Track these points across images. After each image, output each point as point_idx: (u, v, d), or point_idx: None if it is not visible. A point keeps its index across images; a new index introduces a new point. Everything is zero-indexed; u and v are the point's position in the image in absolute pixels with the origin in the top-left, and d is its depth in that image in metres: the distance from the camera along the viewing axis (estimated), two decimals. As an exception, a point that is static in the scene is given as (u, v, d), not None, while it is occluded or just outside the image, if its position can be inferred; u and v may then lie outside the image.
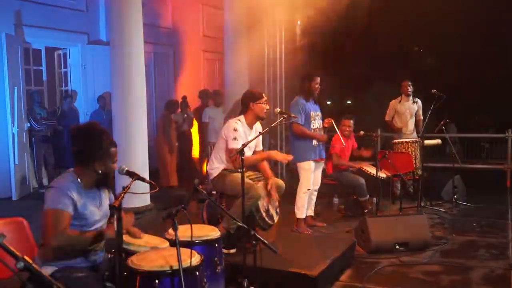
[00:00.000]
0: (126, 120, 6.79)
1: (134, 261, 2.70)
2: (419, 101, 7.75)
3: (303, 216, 5.78)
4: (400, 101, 7.68)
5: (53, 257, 2.76)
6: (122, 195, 2.47)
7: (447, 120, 7.25)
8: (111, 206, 2.36)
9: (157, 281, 2.60)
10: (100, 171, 2.86)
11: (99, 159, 2.84)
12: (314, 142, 5.69)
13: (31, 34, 8.49)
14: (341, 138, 6.05)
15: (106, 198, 3.01)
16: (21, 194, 7.74)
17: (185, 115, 9.21)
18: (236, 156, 4.00)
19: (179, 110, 9.25)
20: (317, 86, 5.71)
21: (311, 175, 5.71)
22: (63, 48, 9.49)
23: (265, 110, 4.79)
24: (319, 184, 6.04)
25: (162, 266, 2.64)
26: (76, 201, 2.78)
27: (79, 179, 2.86)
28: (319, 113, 5.84)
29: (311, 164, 5.69)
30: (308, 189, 5.71)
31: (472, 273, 4.55)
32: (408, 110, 7.65)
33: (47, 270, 2.75)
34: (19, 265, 1.44)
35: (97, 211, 2.90)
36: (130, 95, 6.79)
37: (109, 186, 3.01)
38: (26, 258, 1.46)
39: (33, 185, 8.32)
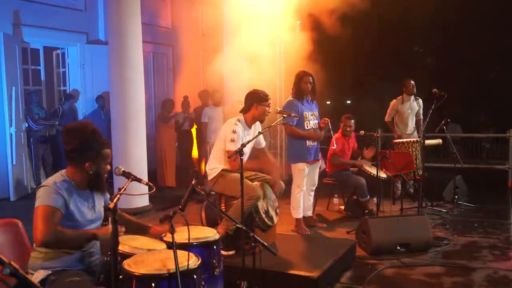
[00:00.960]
0: (125, 120, 6.75)
1: (130, 264, 2.64)
2: (420, 100, 7.71)
3: (300, 216, 5.75)
4: (402, 101, 7.62)
5: (44, 260, 2.71)
6: (118, 196, 2.42)
7: (448, 120, 7.20)
8: (106, 208, 2.30)
9: (153, 284, 2.54)
10: (91, 172, 2.80)
11: (90, 160, 2.79)
12: (308, 142, 5.63)
13: (29, 33, 8.44)
14: (334, 141, 6.01)
15: (99, 199, 2.95)
16: (19, 195, 7.69)
17: (186, 115, 9.16)
18: (235, 156, 3.95)
19: (181, 110, 9.20)
20: (307, 85, 5.64)
21: (304, 176, 5.67)
22: (61, 48, 9.44)
23: (266, 113, 4.75)
24: (316, 184, 5.99)
25: (159, 269, 2.58)
26: (67, 200, 2.73)
27: (71, 179, 2.82)
28: (316, 113, 5.78)
29: (305, 165, 5.65)
30: (301, 189, 5.67)
31: (474, 274, 4.50)
32: (409, 109, 7.60)
33: (41, 273, 2.71)
34: (4, 271, 1.38)
35: (89, 212, 2.86)
36: (128, 95, 6.75)
37: (100, 188, 2.94)
38: (13, 263, 1.40)
39: (31, 185, 8.26)
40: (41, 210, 2.68)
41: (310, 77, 5.64)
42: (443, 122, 7.13)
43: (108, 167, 2.89)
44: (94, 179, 2.84)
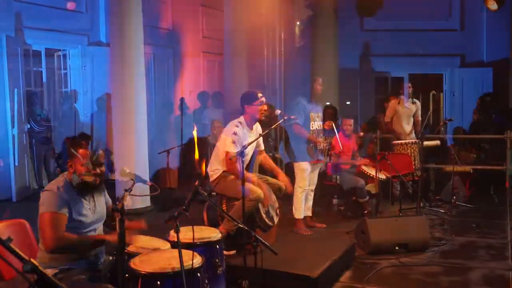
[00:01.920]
0: (126, 122, 6.80)
1: (136, 263, 2.71)
2: (418, 102, 7.77)
3: (302, 216, 5.80)
4: (399, 102, 7.69)
5: (50, 259, 2.77)
6: (125, 197, 2.48)
7: (447, 121, 7.26)
8: (114, 209, 2.37)
9: (159, 282, 2.61)
10: (74, 171, 2.86)
11: (69, 159, 2.87)
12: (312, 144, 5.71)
13: (31, 35, 8.48)
14: (339, 143, 6.06)
15: (99, 200, 3.01)
16: (21, 196, 7.72)
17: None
18: (235, 158, 4.01)
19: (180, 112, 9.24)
20: (319, 87, 5.73)
21: (307, 176, 5.74)
22: (63, 50, 9.48)
23: (261, 112, 4.80)
24: (315, 184, 6.05)
25: (164, 268, 2.65)
26: (71, 204, 2.79)
27: (70, 181, 2.88)
28: (320, 114, 5.86)
29: (308, 165, 5.71)
30: (304, 189, 5.74)
31: (471, 274, 4.57)
32: (407, 111, 7.67)
33: (48, 272, 2.74)
34: (26, 268, 1.46)
35: (90, 213, 2.92)
36: (130, 96, 6.80)
37: (83, 191, 2.90)
38: (33, 261, 1.48)
39: (33, 186, 8.30)
40: (47, 217, 2.73)
41: (321, 79, 5.75)
42: (441, 123, 7.19)
43: (81, 167, 2.84)
44: (79, 181, 2.86)
